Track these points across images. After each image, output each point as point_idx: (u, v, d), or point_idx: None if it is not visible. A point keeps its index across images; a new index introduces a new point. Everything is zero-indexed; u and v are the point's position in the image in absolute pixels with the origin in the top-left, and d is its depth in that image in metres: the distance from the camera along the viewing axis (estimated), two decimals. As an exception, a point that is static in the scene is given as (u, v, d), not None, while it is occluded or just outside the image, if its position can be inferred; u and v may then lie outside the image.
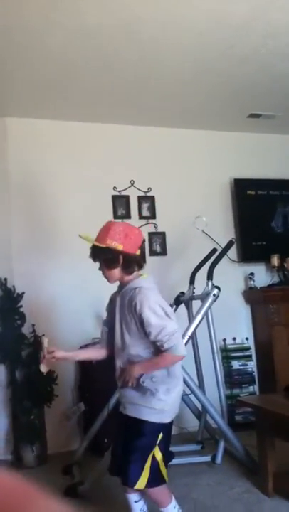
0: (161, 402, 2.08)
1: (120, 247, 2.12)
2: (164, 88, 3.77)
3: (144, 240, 2.28)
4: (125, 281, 2.19)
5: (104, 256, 2.14)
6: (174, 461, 3.04)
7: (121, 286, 2.23)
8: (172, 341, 2.01)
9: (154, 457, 2.09)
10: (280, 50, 3.30)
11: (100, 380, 3.47)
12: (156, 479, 2.10)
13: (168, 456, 2.21)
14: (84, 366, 3.82)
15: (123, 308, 2.15)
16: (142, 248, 2.27)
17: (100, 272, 2.22)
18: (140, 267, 2.22)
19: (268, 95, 4.01)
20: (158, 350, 2.06)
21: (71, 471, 3.20)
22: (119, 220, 4.23)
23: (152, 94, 3.85)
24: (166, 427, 2.14)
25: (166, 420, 2.12)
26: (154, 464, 2.09)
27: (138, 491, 2.24)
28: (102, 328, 2.40)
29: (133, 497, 2.26)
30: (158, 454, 2.11)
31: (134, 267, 2.18)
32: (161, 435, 2.11)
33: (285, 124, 4.64)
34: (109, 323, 2.30)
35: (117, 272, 2.17)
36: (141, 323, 2.05)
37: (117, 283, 2.26)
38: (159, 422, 2.08)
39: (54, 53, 3.15)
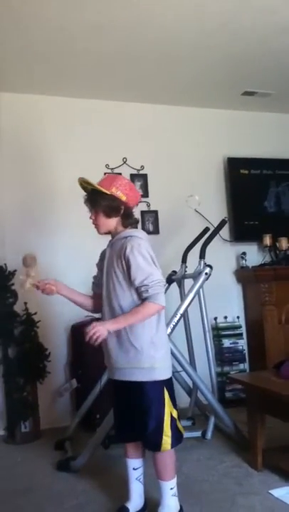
0: (151, 359, 2.07)
1: (124, 198, 2.13)
2: (158, 64, 3.70)
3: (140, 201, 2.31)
4: (118, 232, 2.18)
5: (106, 202, 2.13)
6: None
7: (112, 238, 2.22)
8: (157, 289, 2.00)
9: (171, 416, 2.11)
10: (277, 25, 3.24)
11: (92, 356, 3.49)
12: (178, 437, 2.14)
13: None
14: (76, 343, 3.84)
15: (112, 258, 2.14)
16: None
17: (92, 220, 2.19)
18: (135, 223, 2.24)
19: (263, 72, 3.95)
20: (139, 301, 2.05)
21: (63, 447, 3.24)
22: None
23: (146, 70, 3.78)
24: (165, 384, 2.12)
25: (160, 377, 2.10)
26: (174, 422, 2.11)
27: (140, 457, 2.28)
28: (92, 283, 2.39)
29: (133, 463, 2.27)
30: (174, 411, 2.13)
31: (131, 221, 2.20)
32: (166, 392, 2.10)
33: (280, 102, 4.60)
34: (97, 278, 2.31)
35: (113, 222, 2.17)
36: (128, 269, 2.03)
37: (107, 239, 2.25)
38: (151, 380, 2.07)
39: (50, 27, 3.07)
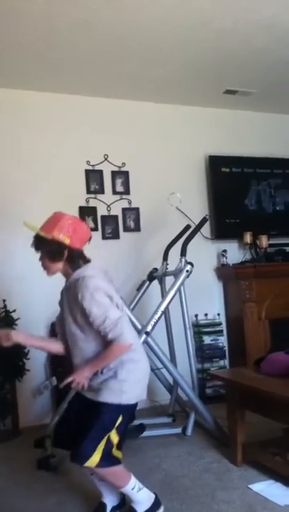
0: (120, 382, 2.06)
1: (67, 241, 2.09)
2: (140, 61, 3.68)
3: (90, 237, 2.23)
4: (68, 274, 2.14)
5: (48, 247, 2.09)
6: (146, 434, 3.12)
7: (66, 280, 2.18)
8: (116, 331, 1.98)
9: (109, 439, 2.04)
10: (259, 24, 3.25)
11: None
12: (108, 460, 2.04)
13: (124, 439, 2.15)
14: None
15: (69, 303, 2.10)
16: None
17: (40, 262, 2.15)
18: (86, 261, 2.17)
19: (245, 71, 3.97)
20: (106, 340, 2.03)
21: (43, 444, 3.20)
22: (92, 196, 4.19)
23: (129, 67, 3.76)
24: (127, 410, 2.09)
25: (125, 401, 2.07)
26: (109, 445, 2.03)
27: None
28: (56, 323, 2.33)
29: (88, 470, 2.22)
30: (114, 438, 2.06)
31: (79, 262, 2.13)
32: (120, 418, 2.06)
33: (261, 102, 4.63)
34: (60, 319, 2.25)
35: (59, 265, 2.13)
36: (86, 315, 2.01)
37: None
38: (117, 403, 2.05)
39: (33, 20, 3.01)
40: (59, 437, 2.26)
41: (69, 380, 2.08)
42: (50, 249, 2.09)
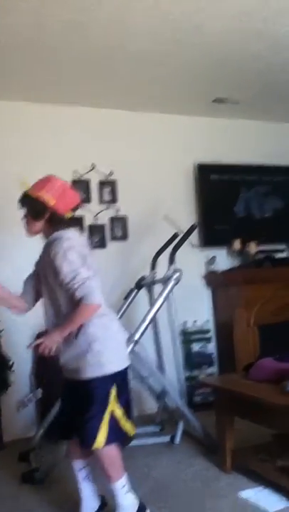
0: (96, 355, 2.02)
1: (52, 203, 2.11)
2: (128, 69, 3.66)
3: (78, 207, 2.23)
4: (47, 236, 2.17)
5: (31, 205, 2.13)
6: (134, 443, 3.02)
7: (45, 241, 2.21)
8: (84, 289, 1.96)
9: (112, 415, 2.03)
10: (250, 31, 3.20)
11: (56, 367, 3.39)
12: (116, 435, 2.04)
13: (130, 407, 2.15)
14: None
15: (44, 263, 2.13)
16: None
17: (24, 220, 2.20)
18: (68, 227, 2.17)
19: (234, 80, 3.97)
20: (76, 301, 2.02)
21: (28, 458, 3.13)
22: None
23: (116, 75, 3.75)
24: (115, 379, 2.06)
25: (109, 371, 2.03)
26: (113, 420, 2.03)
27: (84, 457, 2.20)
28: (25, 280, 2.34)
29: (77, 464, 2.21)
30: (118, 411, 2.05)
31: (59, 226, 2.14)
32: (114, 389, 2.04)
33: (250, 110, 4.64)
34: (31, 277, 2.30)
35: (39, 225, 2.15)
36: (57, 274, 2.02)
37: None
38: (100, 375, 2.01)
39: (15, 25, 2.96)
40: (61, 429, 2.23)
41: (37, 342, 2.07)
42: (33, 207, 2.12)
